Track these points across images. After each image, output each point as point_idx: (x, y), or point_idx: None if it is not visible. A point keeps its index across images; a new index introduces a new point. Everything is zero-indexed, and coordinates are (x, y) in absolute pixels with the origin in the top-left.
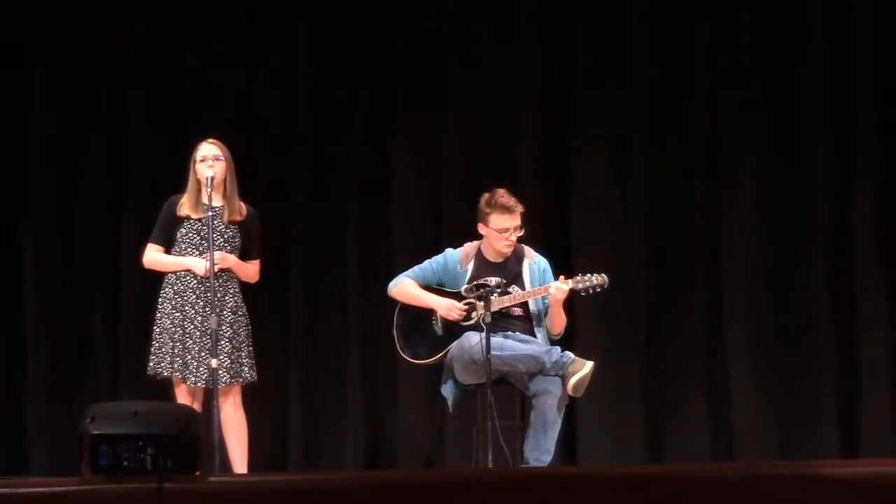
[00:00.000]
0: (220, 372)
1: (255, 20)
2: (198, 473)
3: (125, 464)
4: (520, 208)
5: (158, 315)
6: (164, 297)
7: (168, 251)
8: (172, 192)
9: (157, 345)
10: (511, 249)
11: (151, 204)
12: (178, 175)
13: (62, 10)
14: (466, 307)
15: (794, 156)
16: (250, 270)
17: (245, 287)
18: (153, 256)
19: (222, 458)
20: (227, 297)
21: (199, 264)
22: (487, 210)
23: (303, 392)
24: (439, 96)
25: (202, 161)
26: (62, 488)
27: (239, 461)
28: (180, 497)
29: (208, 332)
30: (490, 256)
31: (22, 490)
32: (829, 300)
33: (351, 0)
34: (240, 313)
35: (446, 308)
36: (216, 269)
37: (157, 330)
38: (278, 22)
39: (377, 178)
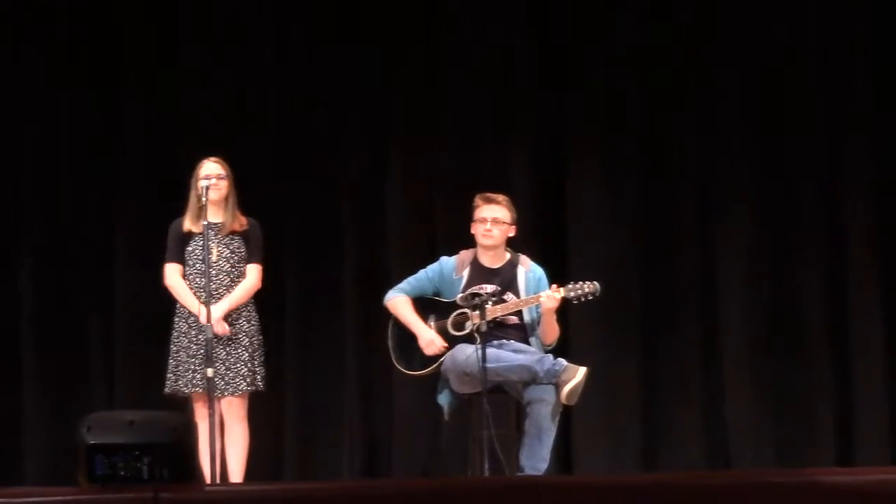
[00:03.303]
0: (237, 379)
1: (245, 31)
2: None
3: (121, 473)
4: (503, 201)
5: (174, 334)
6: (180, 317)
7: (185, 269)
8: (167, 208)
9: (174, 363)
10: (491, 241)
11: (146, 219)
12: (171, 192)
13: (52, 29)
14: (445, 347)
15: (788, 165)
16: (247, 286)
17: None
18: (174, 281)
19: (220, 466)
20: (240, 308)
21: (202, 314)
22: (474, 204)
23: (299, 401)
24: (433, 106)
25: (205, 178)
26: (58, 498)
27: (236, 471)
28: None
29: (220, 341)
30: (486, 262)
31: (18, 500)
32: (824, 310)
33: (343, 12)
34: (252, 322)
35: (426, 342)
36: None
37: (174, 348)
38: (268, 32)
39: (372, 187)
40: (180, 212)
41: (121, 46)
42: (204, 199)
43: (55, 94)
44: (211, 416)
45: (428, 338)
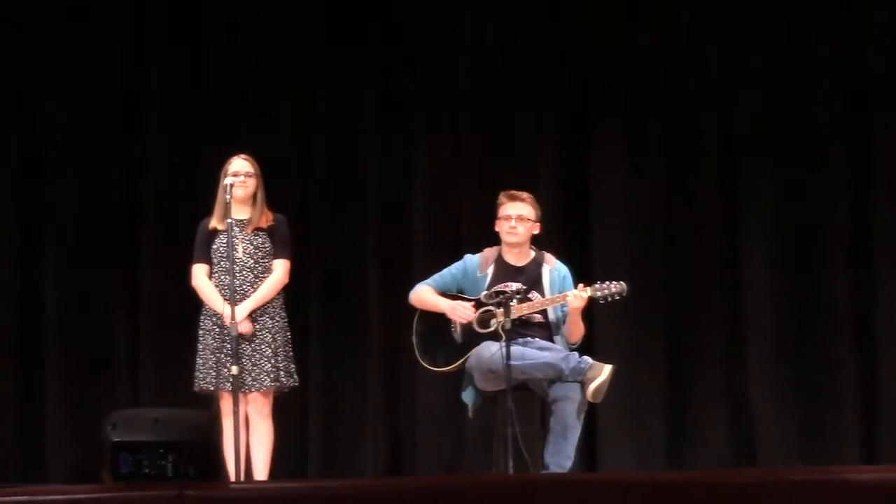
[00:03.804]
0: (261, 376)
1: (268, 31)
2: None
3: (146, 471)
4: (528, 198)
5: (201, 332)
6: (206, 315)
7: (212, 267)
8: (191, 206)
9: (201, 361)
10: (516, 239)
11: (170, 217)
12: (194, 191)
13: (76, 30)
14: (473, 306)
15: (813, 164)
16: (274, 282)
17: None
18: (200, 282)
19: (245, 464)
20: (266, 305)
21: (226, 313)
22: (499, 201)
23: (323, 398)
24: (458, 105)
25: (234, 175)
26: (83, 496)
27: (261, 469)
28: None
29: (245, 338)
30: (510, 260)
31: (42, 497)
32: (849, 309)
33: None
34: (277, 318)
35: (450, 308)
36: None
37: (200, 346)
38: (291, 32)
39: (396, 186)
40: (206, 210)
41: (142, 46)
42: (228, 196)
43: (76, 94)
44: (236, 413)
45: (450, 305)
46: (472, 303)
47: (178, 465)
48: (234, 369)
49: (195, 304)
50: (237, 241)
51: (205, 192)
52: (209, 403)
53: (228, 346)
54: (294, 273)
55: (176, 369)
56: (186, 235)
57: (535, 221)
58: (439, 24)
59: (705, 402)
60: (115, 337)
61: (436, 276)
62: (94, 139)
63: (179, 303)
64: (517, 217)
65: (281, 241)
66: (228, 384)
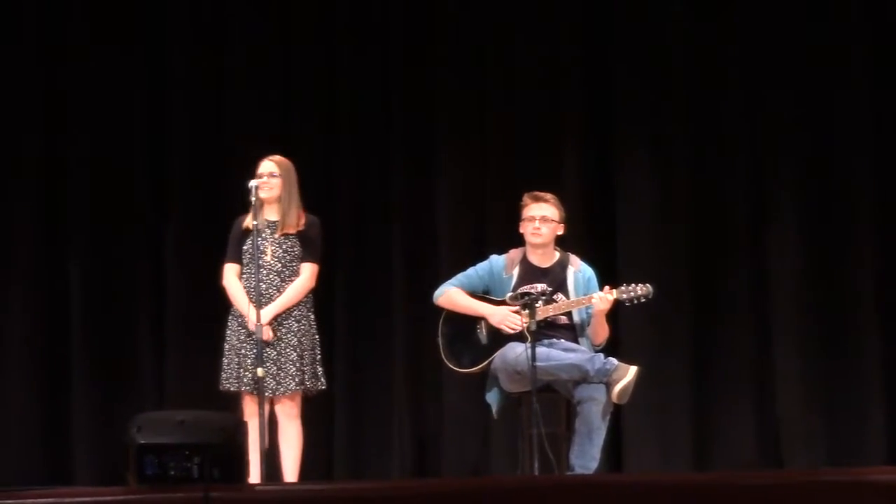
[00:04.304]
0: (286, 379)
1: (291, 31)
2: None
3: (171, 473)
4: (552, 199)
5: (228, 332)
6: (233, 315)
7: (242, 268)
8: (215, 206)
9: (226, 361)
10: (540, 240)
11: (194, 217)
12: (219, 191)
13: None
14: (514, 311)
15: (837, 157)
16: (300, 286)
17: None
18: (229, 282)
19: (274, 466)
20: (292, 309)
21: (251, 316)
22: (522, 202)
23: (348, 400)
24: (482, 106)
25: (258, 177)
26: (109, 498)
27: (290, 470)
28: None
29: (271, 342)
30: (535, 261)
31: (68, 500)
32: (876, 309)
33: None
34: (303, 321)
35: (500, 317)
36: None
37: (227, 347)
38: (315, 32)
39: (420, 186)
40: (231, 210)
41: (165, 46)
42: (253, 197)
43: (97, 93)
44: (261, 415)
45: (502, 313)
46: (517, 310)
47: (203, 467)
48: (260, 371)
49: (221, 305)
50: (266, 243)
51: (230, 193)
52: (235, 404)
53: (252, 347)
54: (320, 276)
55: (201, 371)
56: (211, 236)
57: (560, 222)
58: (464, 23)
59: (731, 404)
60: (141, 339)
61: (461, 277)
62: (116, 139)
63: (205, 304)
64: (541, 218)
65: (310, 244)
66: (247, 385)
